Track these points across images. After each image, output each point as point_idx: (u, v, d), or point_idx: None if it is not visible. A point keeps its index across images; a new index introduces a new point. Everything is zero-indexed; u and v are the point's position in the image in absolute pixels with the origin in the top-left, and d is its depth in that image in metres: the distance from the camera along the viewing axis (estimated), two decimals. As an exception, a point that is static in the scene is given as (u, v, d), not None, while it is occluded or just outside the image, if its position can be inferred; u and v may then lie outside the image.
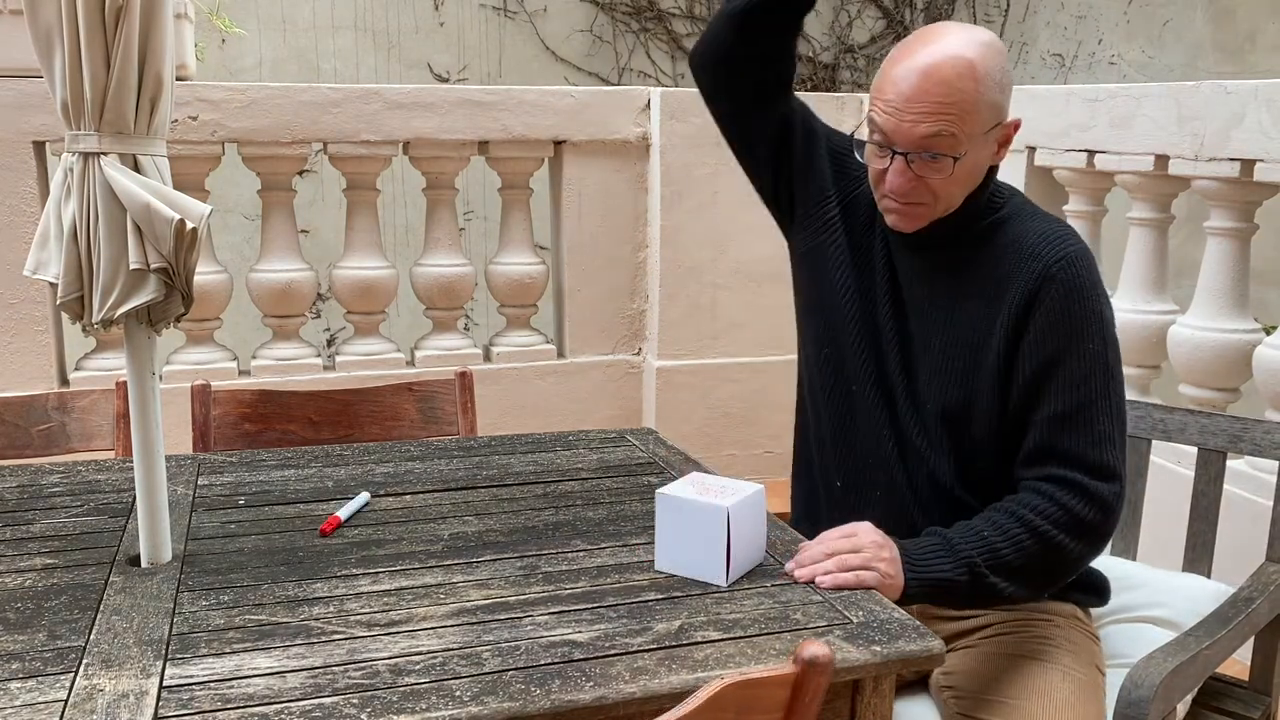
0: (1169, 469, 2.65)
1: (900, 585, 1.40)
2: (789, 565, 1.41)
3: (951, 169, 1.47)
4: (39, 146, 3.02)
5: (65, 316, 1.62)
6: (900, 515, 1.56)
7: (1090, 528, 1.45)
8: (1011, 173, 3.35)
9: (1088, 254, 1.51)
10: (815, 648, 1.02)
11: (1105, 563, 1.75)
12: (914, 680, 1.56)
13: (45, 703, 1.10)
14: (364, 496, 1.66)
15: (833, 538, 1.42)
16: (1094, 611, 1.68)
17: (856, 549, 1.39)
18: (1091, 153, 3.02)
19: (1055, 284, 1.47)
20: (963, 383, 1.53)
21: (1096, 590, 1.65)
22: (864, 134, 1.54)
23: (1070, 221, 3.21)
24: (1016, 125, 1.53)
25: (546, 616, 1.29)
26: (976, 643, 1.55)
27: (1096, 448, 1.45)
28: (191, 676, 1.15)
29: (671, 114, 3.45)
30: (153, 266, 1.33)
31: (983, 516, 1.47)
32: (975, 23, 6.75)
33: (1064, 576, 1.52)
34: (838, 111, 3.65)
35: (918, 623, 1.28)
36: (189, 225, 1.32)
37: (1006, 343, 1.50)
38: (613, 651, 1.20)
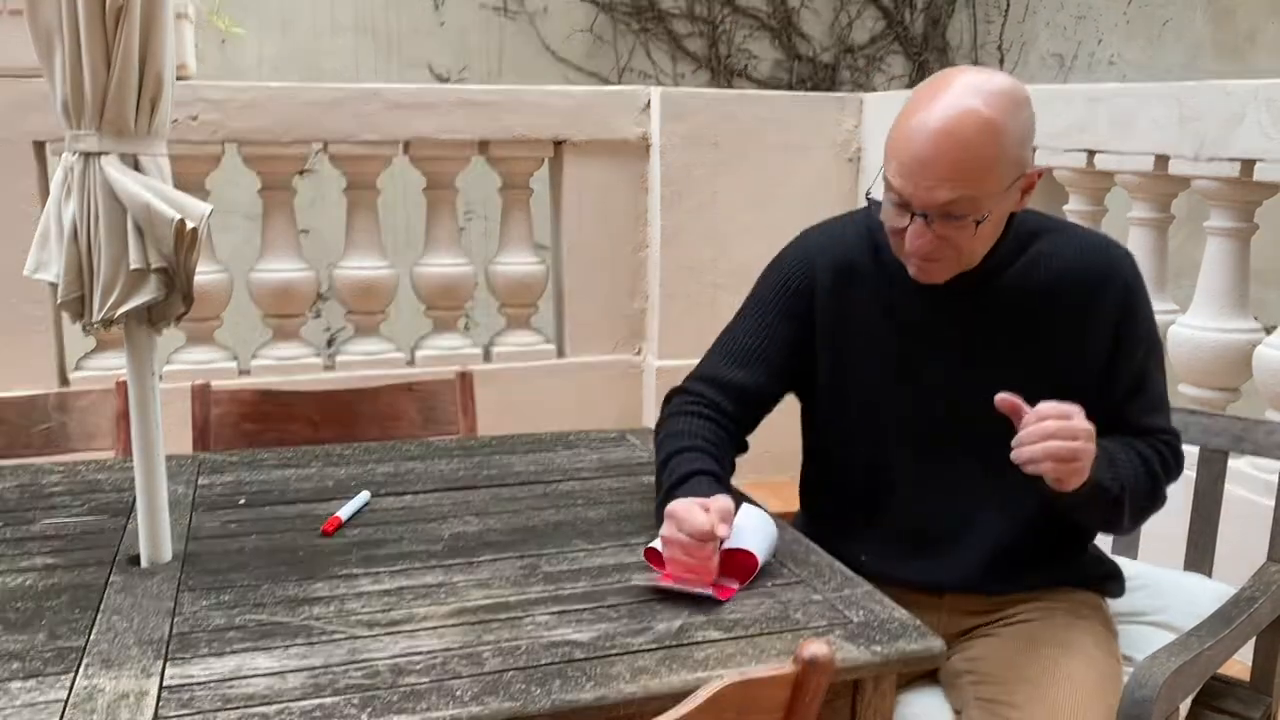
0: (1169, 469, 2.65)
1: (1082, 481, 1.41)
2: (1014, 440, 1.39)
3: (974, 230, 1.44)
4: (39, 146, 3.01)
5: (65, 316, 1.62)
6: (996, 541, 1.58)
7: (1171, 477, 1.58)
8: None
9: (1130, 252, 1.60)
10: (815, 647, 1.02)
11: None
12: (919, 676, 1.56)
13: (45, 703, 1.10)
14: (364, 496, 1.66)
15: (1051, 415, 1.38)
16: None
17: (1073, 436, 1.37)
18: (1091, 153, 3.02)
19: (1133, 293, 1.55)
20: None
21: (1115, 578, 1.68)
22: (878, 190, 1.50)
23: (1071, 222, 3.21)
24: (1040, 174, 1.50)
25: (547, 616, 1.29)
26: (998, 630, 1.56)
27: (1167, 418, 1.62)
28: (192, 676, 1.15)
29: (671, 114, 3.45)
30: (153, 266, 1.33)
31: (1124, 449, 1.52)
32: (975, 24, 6.75)
33: (1146, 517, 1.61)
34: (838, 112, 3.65)
35: (918, 622, 1.28)
36: (189, 225, 1.31)
37: (1105, 353, 1.55)
38: (613, 651, 1.20)
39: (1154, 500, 1.57)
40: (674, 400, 1.67)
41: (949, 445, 1.56)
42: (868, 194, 1.58)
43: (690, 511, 1.35)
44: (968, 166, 1.38)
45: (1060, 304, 1.54)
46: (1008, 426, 1.51)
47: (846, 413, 1.63)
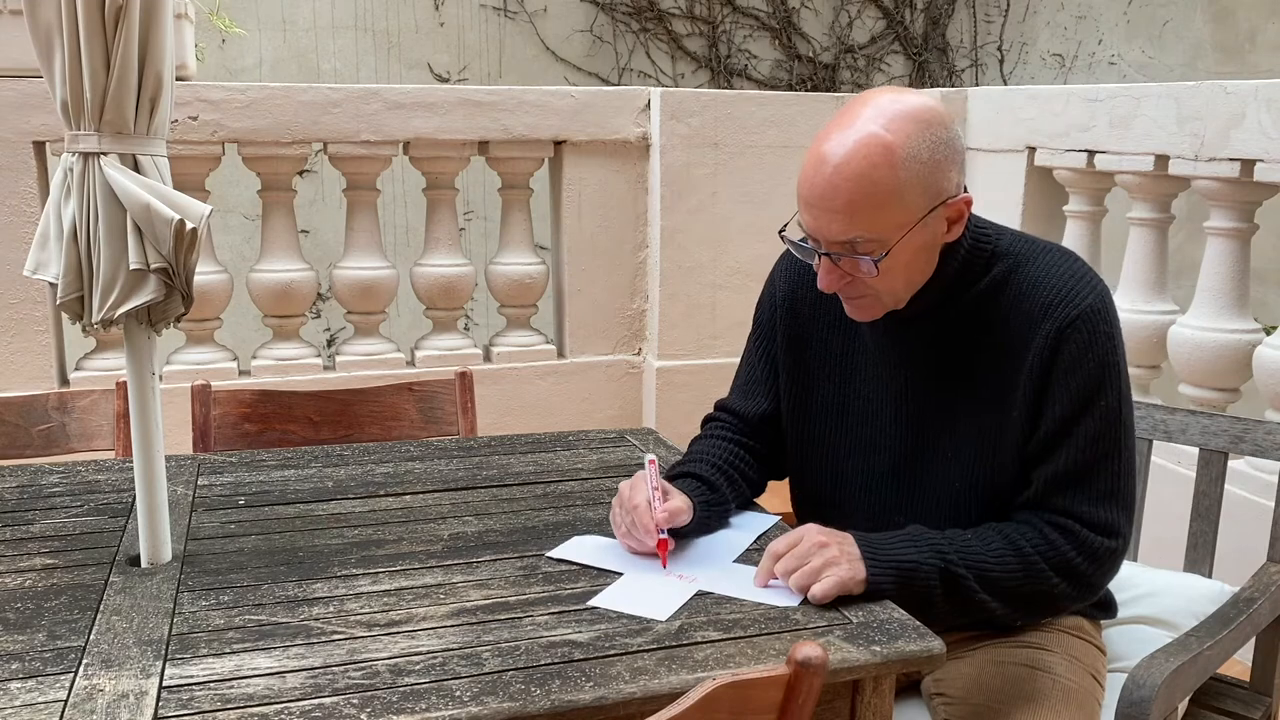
0: (1170, 469, 2.65)
1: (862, 576, 1.33)
2: (757, 582, 1.37)
3: (875, 269, 1.37)
4: (39, 146, 3.02)
5: (65, 316, 1.62)
6: None
7: (1078, 574, 1.41)
8: (1011, 173, 3.35)
9: (1102, 303, 1.42)
10: (808, 649, 1.02)
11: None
12: (906, 685, 1.55)
13: (45, 703, 1.10)
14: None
15: (779, 553, 1.36)
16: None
17: (804, 559, 1.34)
18: (1091, 153, 3.02)
19: (1069, 344, 1.40)
20: (991, 454, 1.46)
21: (1102, 604, 1.61)
22: (794, 229, 1.47)
23: (1070, 222, 3.22)
24: (968, 202, 1.40)
25: (546, 616, 1.29)
26: (970, 651, 1.52)
27: (1098, 505, 1.41)
28: (191, 676, 1.15)
29: (671, 114, 3.45)
30: (153, 267, 1.33)
31: (972, 530, 1.43)
32: (975, 24, 6.74)
33: (1046, 610, 1.49)
34: (837, 112, 3.65)
35: (918, 623, 1.28)
36: (189, 225, 1.32)
37: (1027, 406, 1.43)
38: (612, 651, 1.20)
39: (1038, 589, 1.40)
40: (704, 426, 1.75)
41: (906, 469, 1.53)
42: (781, 231, 1.50)
43: (619, 493, 1.50)
44: (864, 199, 1.33)
45: (1004, 340, 1.44)
46: (962, 449, 1.48)
47: (808, 432, 1.63)
